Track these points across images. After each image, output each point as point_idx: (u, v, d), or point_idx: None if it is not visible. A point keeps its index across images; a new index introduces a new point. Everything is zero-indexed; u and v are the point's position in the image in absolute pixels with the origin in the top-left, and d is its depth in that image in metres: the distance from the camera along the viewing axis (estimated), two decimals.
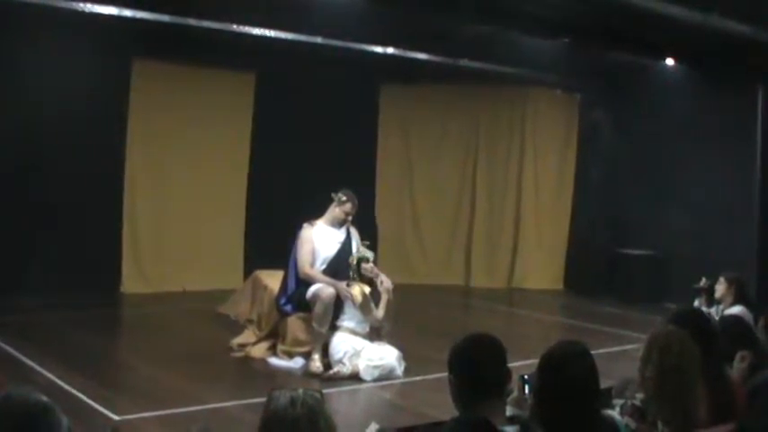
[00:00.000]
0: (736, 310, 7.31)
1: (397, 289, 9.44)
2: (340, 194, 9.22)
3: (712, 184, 13.60)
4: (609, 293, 14.23)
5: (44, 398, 2.49)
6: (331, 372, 8.54)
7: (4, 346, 9.27)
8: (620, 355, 9.29)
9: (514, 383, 3.77)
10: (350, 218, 9.23)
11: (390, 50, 13.08)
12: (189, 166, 14.10)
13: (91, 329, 10.72)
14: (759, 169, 12.88)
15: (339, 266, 9.09)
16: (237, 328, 10.49)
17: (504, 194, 16.40)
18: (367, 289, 8.92)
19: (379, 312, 8.92)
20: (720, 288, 7.96)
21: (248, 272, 12.48)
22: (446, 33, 12.26)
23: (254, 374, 8.89)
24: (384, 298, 8.98)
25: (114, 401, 7.33)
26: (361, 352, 8.61)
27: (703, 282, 8.27)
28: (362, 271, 9.00)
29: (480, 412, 3.32)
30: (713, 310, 7.79)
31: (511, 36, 11.96)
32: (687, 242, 13.84)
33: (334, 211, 9.21)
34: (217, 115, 14.28)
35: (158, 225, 13.91)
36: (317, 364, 8.71)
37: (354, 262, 9.03)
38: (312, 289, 8.91)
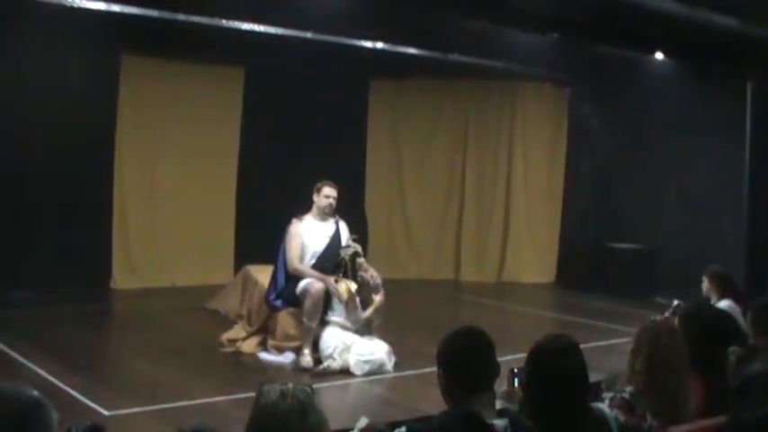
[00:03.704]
0: (724, 304, 7.27)
1: (387, 284, 9.47)
2: (317, 184, 9.30)
3: (702, 177, 13.64)
4: (599, 288, 14.20)
5: (35, 393, 2.49)
6: (321, 366, 8.55)
7: None
8: (610, 349, 9.32)
9: (504, 377, 3.79)
10: (333, 200, 9.23)
11: (380, 45, 13.08)
12: (178, 162, 14.08)
13: (81, 325, 10.70)
14: (748, 162, 12.90)
15: (328, 261, 9.11)
16: (227, 323, 10.53)
17: (494, 189, 16.40)
18: (353, 286, 8.94)
19: (366, 312, 8.95)
20: (704, 286, 7.95)
21: (238, 267, 12.49)
22: (436, 28, 12.25)
23: (244, 369, 8.90)
24: (378, 299, 9.02)
25: (104, 396, 7.32)
26: (352, 347, 8.63)
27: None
28: (357, 266, 9.04)
29: (470, 406, 3.33)
30: None
31: (500, 31, 11.96)
32: (677, 236, 13.89)
33: (317, 201, 9.25)
34: (206, 111, 14.24)
35: (148, 220, 13.89)
36: (307, 358, 8.73)
37: (348, 257, 9.05)
38: (301, 284, 8.93)
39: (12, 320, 10.45)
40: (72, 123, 12.51)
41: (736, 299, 7.58)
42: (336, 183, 9.38)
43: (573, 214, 15.98)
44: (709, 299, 7.84)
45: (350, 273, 9.02)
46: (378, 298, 9.06)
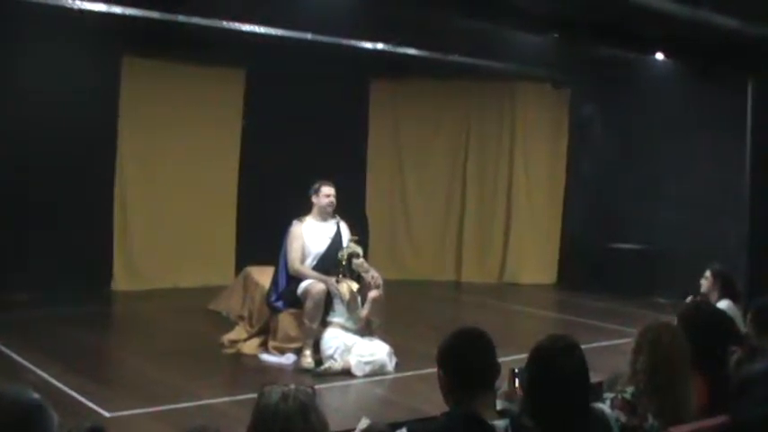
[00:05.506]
0: (723, 304, 7.28)
1: (388, 284, 9.46)
2: (314, 186, 9.32)
3: (702, 178, 13.64)
4: (600, 288, 14.19)
5: (35, 395, 2.49)
6: (322, 367, 8.54)
7: None
8: (611, 350, 9.30)
9: (505, 377, 3.78)
10: (332, 200, 9.24)
11: (380, 46, 13.08)
12: (180, 163, 14.08)
13: (82, 326, 10.70)
14: (749, 163, 12.89)
15: (330, 262, 9.10)
16: (229, 324, 10.52)
17: (495, 189, 16.40)
18: (354, 286, 8.93)
19: (364, 311, 8.93)
20: (706, 283, 7.91)
21: (239, 268, 12.49)
22: (436, 29, 12.25)
23: (245, 370, 8.90)
24: (373, 294, 8.99)
25: (105, 398, 7.32)
26: (353, 348, 8.62)
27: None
28: (354, 266, 9.01)
29: (470, 406, 3.33)
30: None
31: (500, 31, 11.96)
32: (678, 236, 13.88)
33: (317, 202, 9.26)
34: (207, 112, 14.25)
35: (149, 222, 13.88)
36: (308, 359, 8.72)
37: (345, 257, 9.04)
38: (303, 285, 8.93)
39: (12, 322, 10.46)
40: (73, 124, 12.51)
41: (734, 299, 7.59)
42: (337, 183, 9.39)
43: (574, 214, 15.97)
44: (707, 296, 7.83)
45: (347, 274, 9.01)
46: (372, 294, 9.00)
